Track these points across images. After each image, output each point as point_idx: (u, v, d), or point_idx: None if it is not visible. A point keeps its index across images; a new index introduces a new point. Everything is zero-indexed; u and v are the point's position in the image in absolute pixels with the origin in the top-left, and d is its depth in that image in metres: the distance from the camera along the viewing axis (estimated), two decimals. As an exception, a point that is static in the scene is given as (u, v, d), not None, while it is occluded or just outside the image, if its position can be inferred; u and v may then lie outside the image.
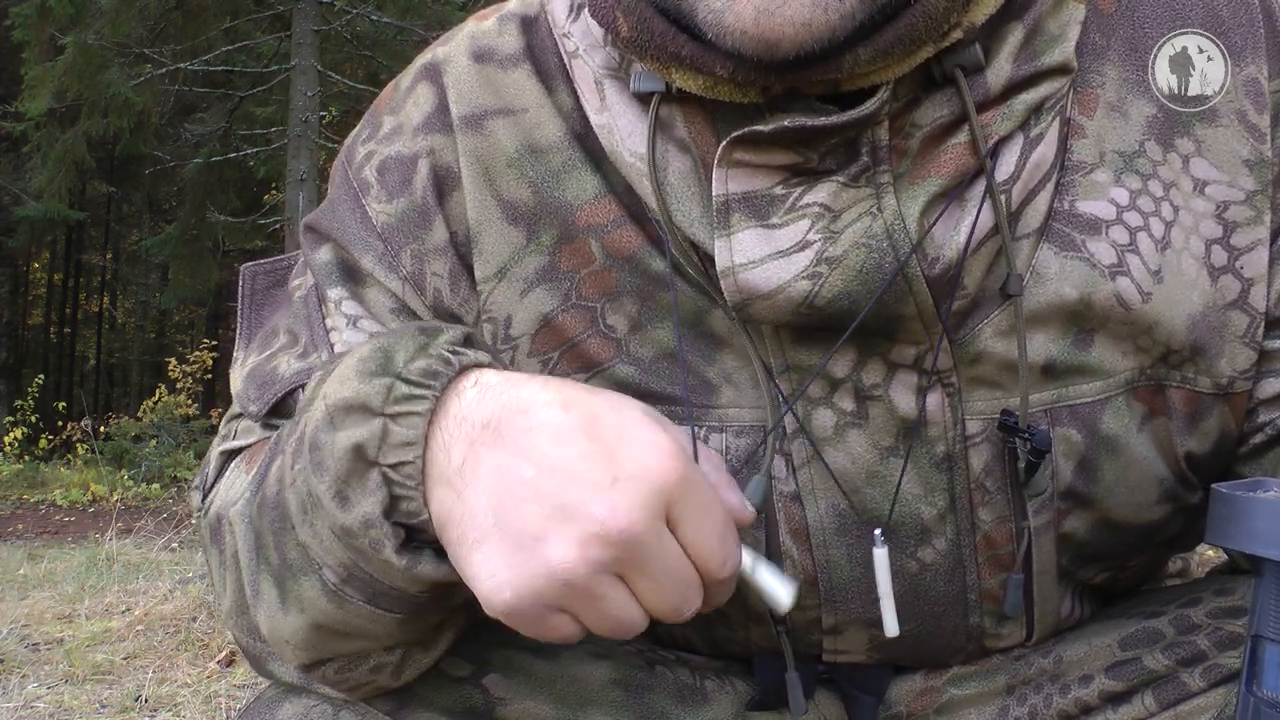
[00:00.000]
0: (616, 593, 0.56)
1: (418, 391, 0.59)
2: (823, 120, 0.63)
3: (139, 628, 3.20)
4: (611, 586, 0.55)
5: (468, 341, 0.64)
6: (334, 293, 0.77)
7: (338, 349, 0.75)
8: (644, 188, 0.70)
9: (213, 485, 0.77)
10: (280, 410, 0.75)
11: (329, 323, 0.76)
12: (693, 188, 0.69)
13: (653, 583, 0.56)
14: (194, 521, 0.80)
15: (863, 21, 0.61)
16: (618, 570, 0.55)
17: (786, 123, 0.63)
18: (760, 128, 0.64)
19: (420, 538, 0.61)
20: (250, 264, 0.87)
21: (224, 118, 11.85)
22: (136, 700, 2.52)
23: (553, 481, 0.55)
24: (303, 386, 0.73)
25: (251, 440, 0.77)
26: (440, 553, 0.61)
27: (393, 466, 0.59)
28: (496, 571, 0.55)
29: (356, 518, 0.59)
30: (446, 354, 0.61)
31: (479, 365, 0.61)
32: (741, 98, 0.65)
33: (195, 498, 0.79)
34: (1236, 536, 0.52)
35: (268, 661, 0.74)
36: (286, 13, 10.69)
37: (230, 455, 0.78)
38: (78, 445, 12.40)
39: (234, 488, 0.73)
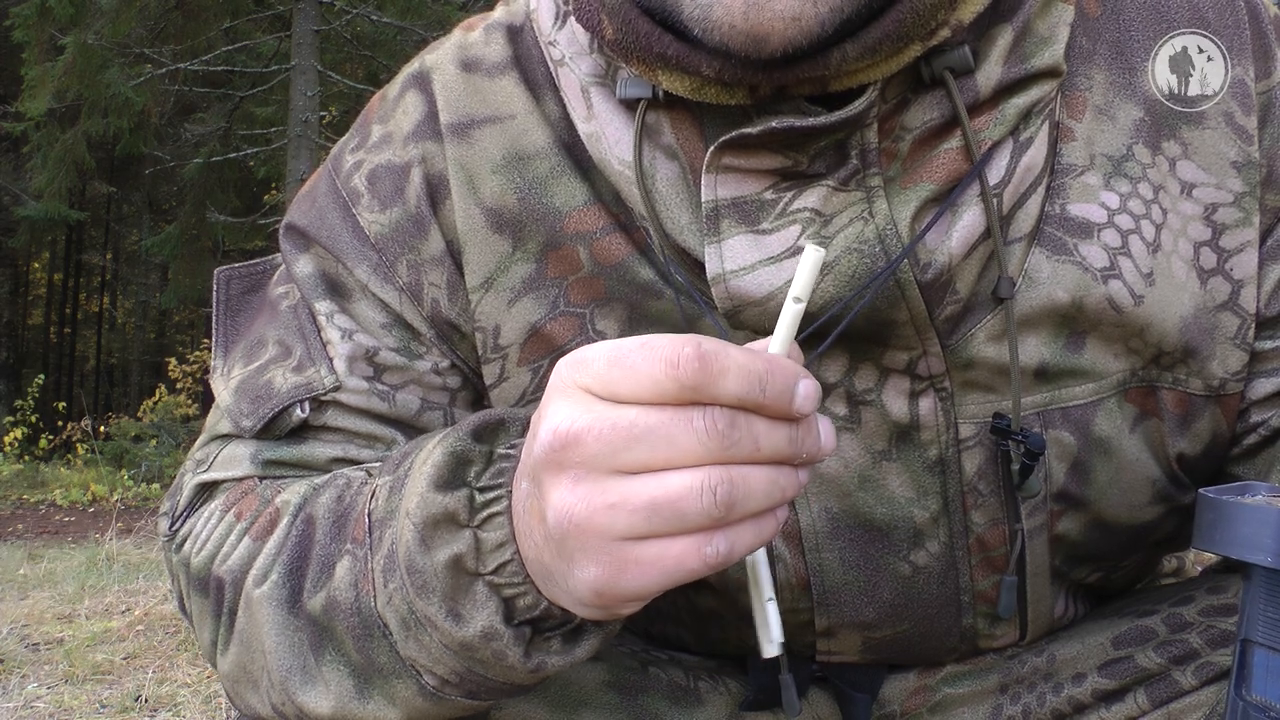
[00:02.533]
0: None
1: (493, 494, 0.58)
2: (810, 121, 0.62)
3: (139, 628, 3.21)
4: None
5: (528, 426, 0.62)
6: (322, 306, 0.75)
7: (337, 364, 0.74)
8: (632, 195, 0.70)
9: (183, 514, 0.76)
10: (275, 426, 0.74)
11: (325, 336, 0.75)
12: (681, 194, 0.69)
13: None
14: (162, 548, 0.78)
15: (850, 16, 0.60)
16: None
17: (774, 124, 0.63)
18: (748, 130, 0.63)
19: (548, 624, 0.60)
20: (224, 269, 0.85)
21: (224, 118, 11.85)
22: (136, 700, 2.53)
23: None
24: (300, 404, 0.73)
25: (234, 474, 0.75)
26: (568, 636, 0.60)
27: (494, 572, 0.58)
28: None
29: (475, 632, 0.58)
30: (506, 451, 0.59)
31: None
32: (729, 99, 0.65)
33: (163, 523, 0.77)
34: (1223, 542, 0.52)
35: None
36: (286, 13, 10.69)
37: (207, 487, 0.76)
38: (78, 445, 12.39)
39: (226, 542, 0.71)
